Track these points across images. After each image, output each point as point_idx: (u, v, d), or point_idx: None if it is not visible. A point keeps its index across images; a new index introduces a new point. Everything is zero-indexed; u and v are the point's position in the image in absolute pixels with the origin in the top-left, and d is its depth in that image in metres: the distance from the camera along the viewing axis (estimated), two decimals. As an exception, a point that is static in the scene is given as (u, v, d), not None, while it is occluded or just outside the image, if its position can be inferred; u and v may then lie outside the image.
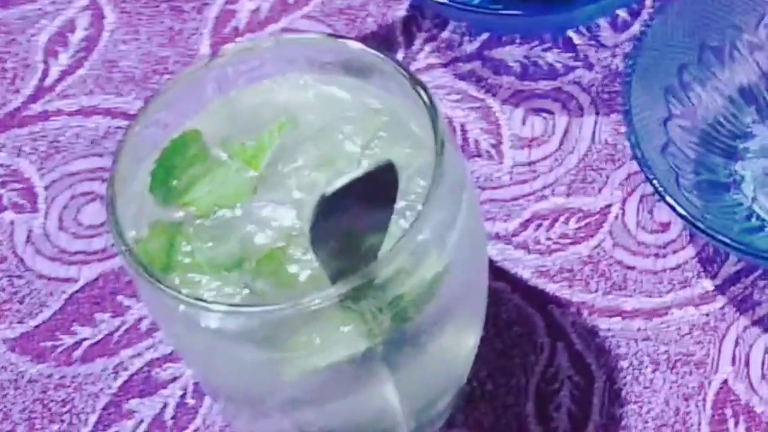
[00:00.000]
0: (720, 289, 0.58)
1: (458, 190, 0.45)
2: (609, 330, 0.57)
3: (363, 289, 0.41)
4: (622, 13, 0.68)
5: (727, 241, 0.53)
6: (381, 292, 0.42)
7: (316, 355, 0.43)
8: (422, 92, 0.45)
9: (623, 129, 0.63)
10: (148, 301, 0.46)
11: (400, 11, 0.68)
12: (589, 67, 0.66)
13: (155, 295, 0.43)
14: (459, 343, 0.49)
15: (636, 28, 0.67)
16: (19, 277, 0.61)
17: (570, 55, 0.66)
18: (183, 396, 0.56)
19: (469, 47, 0.67)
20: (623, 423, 0.54)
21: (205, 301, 0.42)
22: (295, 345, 0.43)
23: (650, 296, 0.58)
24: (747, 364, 0.56)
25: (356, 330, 0.42)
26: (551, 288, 0.58)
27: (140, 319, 0.58)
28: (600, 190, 0.61)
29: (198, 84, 0.47)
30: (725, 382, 0.55)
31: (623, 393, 0.55)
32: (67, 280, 0.60)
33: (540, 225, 0.60)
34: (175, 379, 0.57)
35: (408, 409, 0.48)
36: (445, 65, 0.66)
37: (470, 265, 0.48)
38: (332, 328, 0.42)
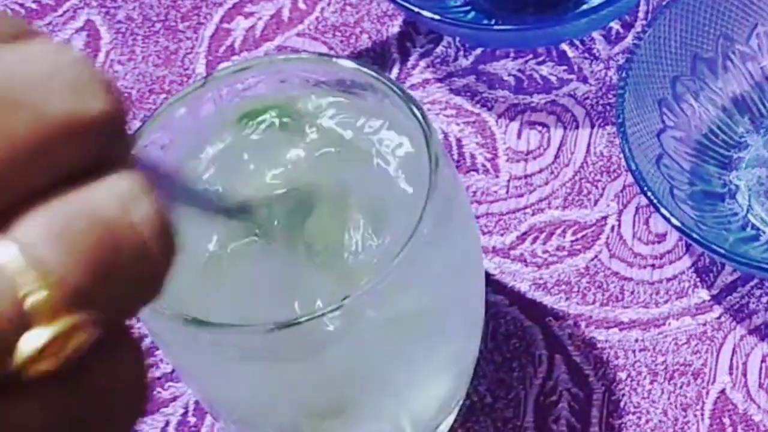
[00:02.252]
0: (716, 299, 0.58)
1: (453, 205, 0.45)
2: (607, 341, 0.57)
3: (359, 306, 0.42)
4: (615, 26, 0.68)
5: (723, 251, 0.54)
6: (378, 307, 0.42)
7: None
8: (416, 110, 0.45)
9: (618, 141, 0.63)
10: (146, 320, 0.46)
11: (395, 27, 0.69)
12: (584, 79, 0.66)
13: (153, 315, 0.43)
14: (459, 357, 0.50)
15: (629, 40, 0.67)
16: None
17: (564, 68, 0.67)
18: (184, 414, 0.57)
19: (464, 62, 0.67)
20: (622, 434, 0.55)
21: (201, 321, 0.42)
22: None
23: (647, 307, 0.58)
24: (744, 374, 0.56)
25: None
26: (549, 300, 0.59)
27: (141, 339, 0.59)
28: (596, 202, 0.62)
29: (194, 104, 0.48)
30: (723, 391, 0.56)
31: (622, 404, 0.55)
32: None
33: (537, 238, 0.61)
34: (176, 398, 0.57)
35: (411, 425, 0.49)
36: (440, 80, 0.67)
37: (467, 280, 0.48)
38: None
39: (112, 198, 0.24)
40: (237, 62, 0.47)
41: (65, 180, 0.24)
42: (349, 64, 0.45)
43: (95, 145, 0.24)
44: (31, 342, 0.23)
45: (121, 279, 0.24)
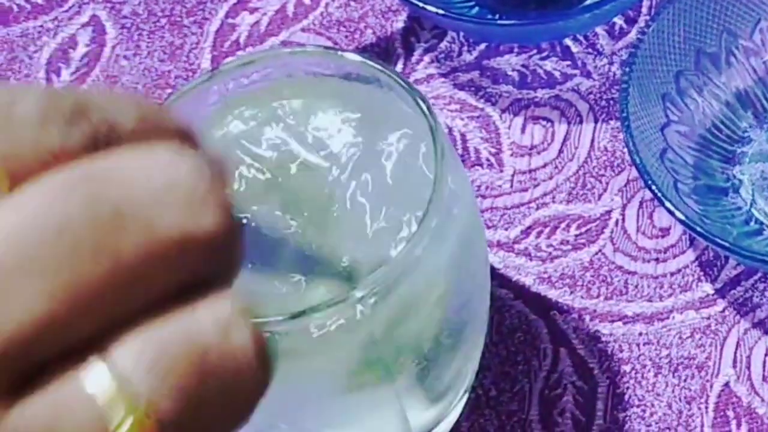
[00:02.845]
0: (720, 293, 0.58)
1: (458, 199, 0.45)
2: (611, 335, 0.57)
3: (365, 301, 0.42)
4: (618, 21, 0.68)
5: (727, 245, 0.54)
6: (385, 302, 0.42)
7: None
8: (421, 103, 0.45)
9: (622, 135, 0.63)
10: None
11: (399, 23, 0.69)
12: (587, 74, 0.66)
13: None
14: (464, 351, 0.50)
15: (633, 35, 0.67)
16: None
17: (568, 63, 0.67)
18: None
19: (468, 57, 0.67)
20: (627, 427, 0.55)
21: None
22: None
23: (651, 301, 0.58)
24: (748, 367, 0.56)
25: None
26: (553, 294, 0.59)
27: None
28: (600, 197, 0.62)
29: (200, 98, 0.48)
30: (727, 384, 0.56)
31: (626, 397, 0.56)
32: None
33: (541, 232, 0.61)
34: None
35: (415, 419, 0.49)
36: (444, 75, 0.67)
37: (473, 273, 0.48)
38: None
39: (211, 322, 0.23)
40: (243, 56, 0.47)
41: (169, 297, 0.23)
42: (355, 57, 0.46)
43: (203, 263, 0.23)
44: None
45: (214, 409, 0.23)
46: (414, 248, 0.42)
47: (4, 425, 0.22)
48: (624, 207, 0.61)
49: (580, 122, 0.65)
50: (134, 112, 0.24)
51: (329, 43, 0.68)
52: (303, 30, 0.69)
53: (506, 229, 0.61)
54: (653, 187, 0.55)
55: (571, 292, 0.59)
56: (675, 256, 0.60)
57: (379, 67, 0.46)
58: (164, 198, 0.23)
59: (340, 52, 0.47)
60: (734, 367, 0.56)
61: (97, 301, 0.22)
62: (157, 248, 0.23)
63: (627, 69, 0.59)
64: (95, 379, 0.22)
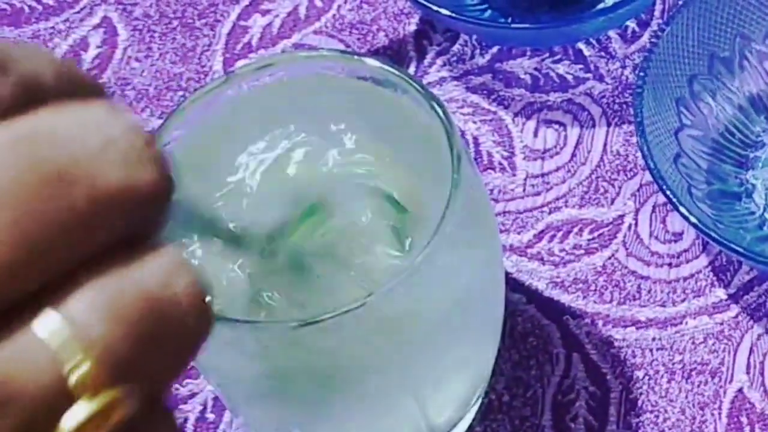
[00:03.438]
0: (733, 298, 0.58)
1: (474, 203, 0.45)
2: (624, 340, 0.57)
3: (381, 304, 0.42)
4: (631, 24, 0.68)
5: (740, 250, 0.53)
6: (401, 307, 0.42)
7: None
8: (438, 108, 0.45)
9: (634, 139, 0.63)
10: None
11: (412, 25, 0.69)
12: (600, 78, 0.66)
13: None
14: (478, 356, 0.50)
15: (645, 39, 0.67)
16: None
17: (580, 66, 0.67)
18: (203, 411, 0.57)
19: (481, 60, 0.67)
20: (640, 432, 0.55)
21: (221, 316, 0.42)
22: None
23: (664, 306, 0.58)
24: (762, 372, 0.56)
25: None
26: (566, 299, 0.59)
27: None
28: (613, 201, 0.62)
29: (215, 101, 0.48)
30: (740, 390, 0.56)
31: (639, 403, 0.56)
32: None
33: (554, 236, 0.61)
34: (194, 395, 0.57)
35: (429, 424, 0.49)
36: (456, 78, 0.67)
37: (488, 277, 0.48)
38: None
39: (156, 272, 0.24)
40: (259, 59, 0.47)
41: (109, 249, 0.24)
42: (374, 62, 0.45)
43: (142, 216, 0.25)
44: (73, 416, 0.23)
45: (162, 351, 0.25)
46: (431, 253, 0.42)
47: None
48: (637, 211, 0.61)
49: (593, 126, 0.64)
50: (52, 67, 0.25)
51: (341, 46, 0.68)
52: (315, 32, 0.69)
53: (519, 233, 0.61)
54: (667, 192, 0.55)
55: (584, 297, 0.59)
56: (688, 261, 0.60)
57: (395, 71, 0.46)
58: (104, 155, 0.24)
59: (356, 57, 0.47)
60: (747, 373, 0.56)
61: (47, 252, 0.23)
62: (101, 202, 0.24)
63: (641, 73, 0.59)
64: (48, 325, 0.23)
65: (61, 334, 0.23)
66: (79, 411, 0.23)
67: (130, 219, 0.24)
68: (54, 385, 0.23)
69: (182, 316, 0.25)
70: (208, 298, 0.25)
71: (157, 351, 0.24)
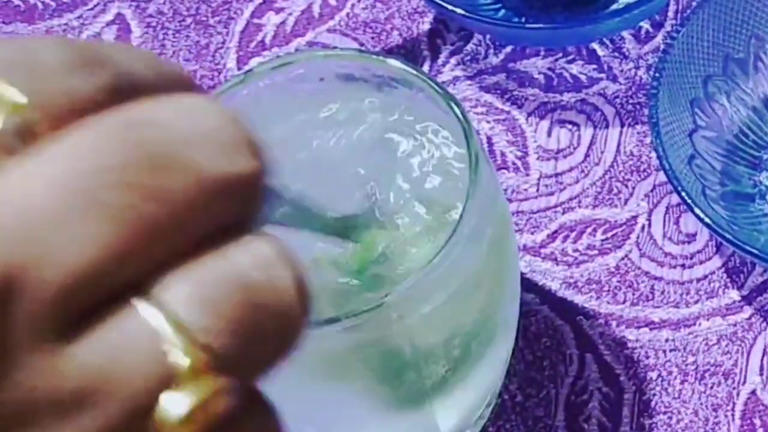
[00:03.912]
0: (747, 300, 0.58)
1: (492, 204, 0.45)
2: (637, 341, 0.57)
3: (399, 304, 0.42)
4: (645, 25, 0.68)
5: (755, 251, 0.53)
6: (418, 307, 0.42)
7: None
8: (456, 108, 0.45)
9: (648, 140, 0.63)
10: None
11: (425, 24, 0.69)
12: (614, 78, 0.66)
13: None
14: (493, 356, 0.50)
15: (659, 39, 0.67)
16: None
17: (594, 66, 0.67)
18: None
19: (494, 60, 0.67)
20: (653, 434, 0.55)
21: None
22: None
23: (677, 307, 0.58)
24: (775, 374, 0.56)
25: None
26: (579, 299, 0.59)
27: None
28: (626, 202, 0.62)
29: (232, 99, 0.48)
30: (753, 392, 0.56)
31: (653, 404, 0.55)
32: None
33: (567, 236, 0.61)
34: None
35: (445, 425, 0.49)
36: (470, 78, 0.67)
37: (504, 278, 0.48)
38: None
39: (255, 262, 0.24)
40: (277, 57, 0.47)
41: (207, 239, 0.24)
42: (392, 62, 0.45)
43: (240, 205, 0.24)
44: (175, 408, 0.23)
45: (262, 343, 0.24)
46: (448, 254, 0.42)
47: (63, 361, 0.22)
48: (650, 212, 0.61)
49: (606, 126, 0.64)
50: (151, 66, 0.25)
51: (355, 45, 0.68)
52: (329, 31, 0.69)
53: (532, 233, 0.61)
54: (682, 194, 0.55)
55: (598, 298, 0.59)
56: (701, 263, 0.60)
57: (414, 70, 0.46)
58: (206, 143, 0.24)
59: (374, 56, 0.46)
60: (761, 374, 0.56)
61: (149, 242, 0.23)
62: (202, 190, 0.23)
63: (656, 74, 0.59)
64: (151, 314, 0.23)
65: (163, 323, 0.23)
66: (182, 402, 0.23)
67: (230, 207, 0.24)
68: (156, 375, 0.23)
69: (283, 306, 0.24)
70: (310, 292, 0.25)
71: (258, 343, 0.24)
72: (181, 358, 0.23)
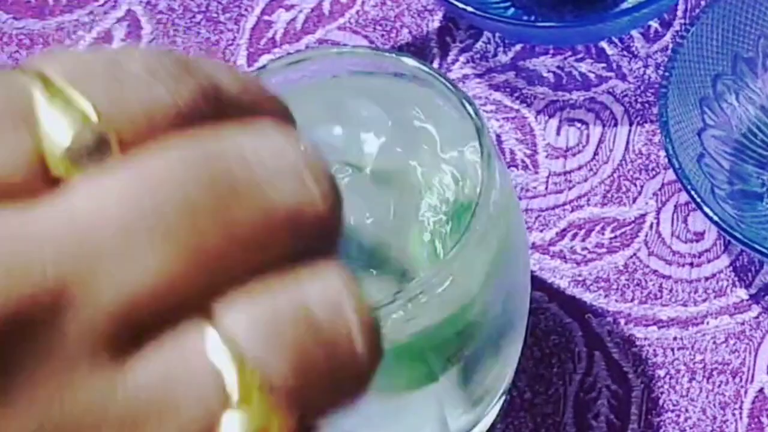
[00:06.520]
0: (755, 298, 0.58)
1: (504, 201, 0.45)
2: (645, 339, 0.57)
3: (412, 303, 0.42)
4: (654, 24, 0.68)
5: (763, 250, 0.54)
6: (431, 304, 0.42)
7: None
8: (468, 106, 0.45)
9: (657, 139, 0.63)
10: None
11: (435, 22, 0.69)
12: (622, 77, 0.66)
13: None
14: (503, 352, 0.50)
15: (668, 38, 0.67)
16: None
17: (603, 65, 0.67)
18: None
19: (503, 58, 0.67)
20: (661, 431, 0.55)
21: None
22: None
23: (686, 305, 0.58)
24: (783, 373, 0.56)
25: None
26: (588, 297, 0.59)
27: None
28: (635, 200, 0.62)
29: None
30: (761, 390, 0.56)
31: (661, 402, 0.56)
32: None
33: (576, 234, 0.61)
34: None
35: (451, 419, 0.49)
36: (479, 76, 0.67)
37: (515, 275, 0.48)
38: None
39: (321, 294, 0.23)
40: (290, 55, 0.47)
41: (276, 268, 0.24)
42: (406, 59, 0.46)
43: (311, 238, 0.24)
44: None
45: (327, 380, 0.23)
46: (461, 251, 0.42)
47: (121, 381, 0.22)
48: (659, 211, 0.61)
49: (615, 125, 0.65)
50: (236, 80, 0.25)
51: (365, 42, 0.68)
52: (339, 28, 0.69)
53: (541, 231, 0.61)
54: (692, 192, 0.55)
55: (606, 296, 0.59)
56: (710, 261, 0.60)
57: (427, 68, 0.46)
58: (280, 174, 0.24)
59: (388, 53, 0.47)
60: (769, 373, 0.56)
61: (213, 268, 0.23)
62: (270, 223, 0.23)
63: (666, 73, 0.59)
64: (210, 341, 0.23)
65: (219, 353, 0.22)
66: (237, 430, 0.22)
67: (298, 239, 0.24)
68: (213, 401, 0.22)
69: (350, 345, 0.23)
70: (379, 329, 0.24)
71: (322, 380, 0.23)
72: (236, 387, 0.22)
